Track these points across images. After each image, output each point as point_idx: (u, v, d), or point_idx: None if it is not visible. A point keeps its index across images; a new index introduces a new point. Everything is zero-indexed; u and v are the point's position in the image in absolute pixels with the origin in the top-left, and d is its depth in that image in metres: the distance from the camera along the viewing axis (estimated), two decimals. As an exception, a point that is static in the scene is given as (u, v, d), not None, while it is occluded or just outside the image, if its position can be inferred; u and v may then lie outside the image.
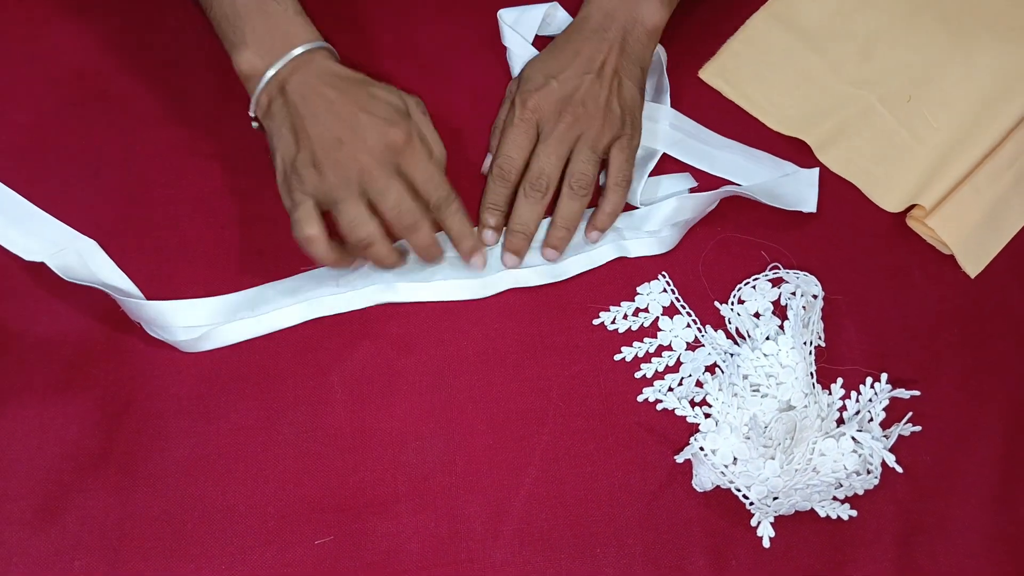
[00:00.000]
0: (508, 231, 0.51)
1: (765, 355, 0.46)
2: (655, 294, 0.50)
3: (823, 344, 0.50)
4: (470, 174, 0.54)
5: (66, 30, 0.56)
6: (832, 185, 0.55)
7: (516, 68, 0.55)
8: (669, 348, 0.49)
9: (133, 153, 0.54)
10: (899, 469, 0.45)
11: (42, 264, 0.50)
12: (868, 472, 0.45)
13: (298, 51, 0.46)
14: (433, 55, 0.56)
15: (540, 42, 0.56)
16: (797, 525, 0.47)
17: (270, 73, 0.46)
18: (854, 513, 0.47)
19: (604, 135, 0.50)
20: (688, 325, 0.50)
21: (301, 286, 0.50)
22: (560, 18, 0.56)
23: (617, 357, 0.50)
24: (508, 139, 0.51)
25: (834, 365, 0.49)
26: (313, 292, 0.50)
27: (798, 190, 0.53)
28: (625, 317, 0.50)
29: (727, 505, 0.47)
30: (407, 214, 0.47)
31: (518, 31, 0.55)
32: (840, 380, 0.49)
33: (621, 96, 0.51)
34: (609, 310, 0.50)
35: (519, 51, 0.55)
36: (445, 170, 0.49)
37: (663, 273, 0.51)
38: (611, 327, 0.50)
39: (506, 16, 0.56)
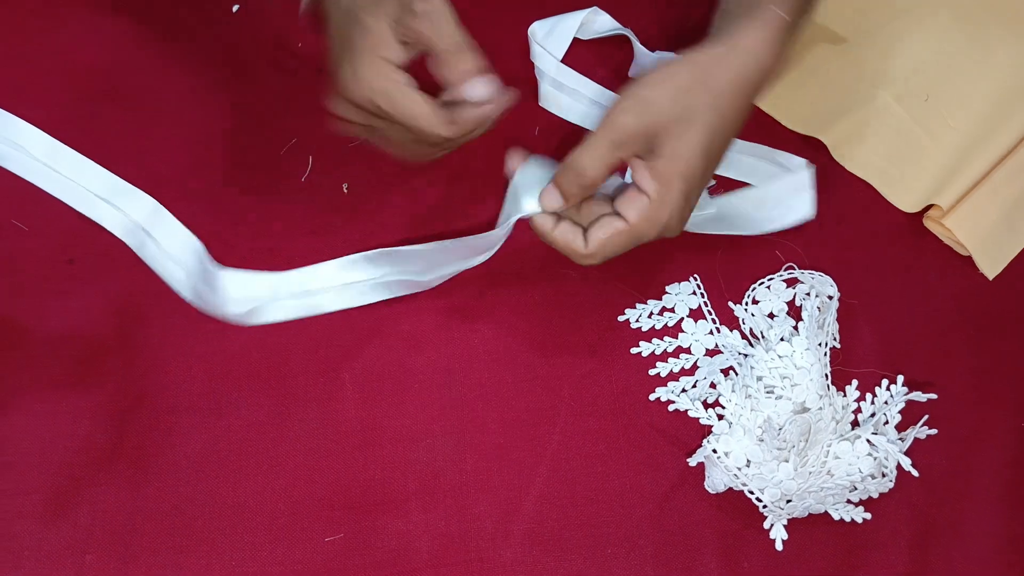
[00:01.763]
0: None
1: (779, 356, 0.46)
2: (684, 295, 0.50)
3: (838, 345, 0.49)
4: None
5: (80, 25, 0.56)
6: (848, 185, 0.54)
7: (545, 87, 0.53)
8: (688, 351, 0.49)
9: (148, 151, 0.53)
10: (915, 473, 0.45)
11: (53, 258, 0.50)
12: (883, 475, 0.45)
13: None
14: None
15: (576, 48, 0.54)
16: (810, 528, 0.46)
17: None
18: (868, 516, 0.46)
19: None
20: (711, 332, 0.49)
21: (355, 265, 0.48)
22: (601, 22, 0.54)
23: (634, 351, 0.49)
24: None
25: (849, 367, 0.49)
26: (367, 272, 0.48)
27: (788, 198, 0.50)
28: (650, 316, 0.49)
29: (739, 507, 0.46)
30: None
31: (550, 45, 0.53)
32: (855, 382, 0.48)
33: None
34: (635, 307, 0.50)
35: (549, 70, 0.53)
36: None
37: (695, 276, 0.51)
38: (635, 324, 0.49)
39: (538, 31, 0.53)
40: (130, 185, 0.51)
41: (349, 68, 0.43)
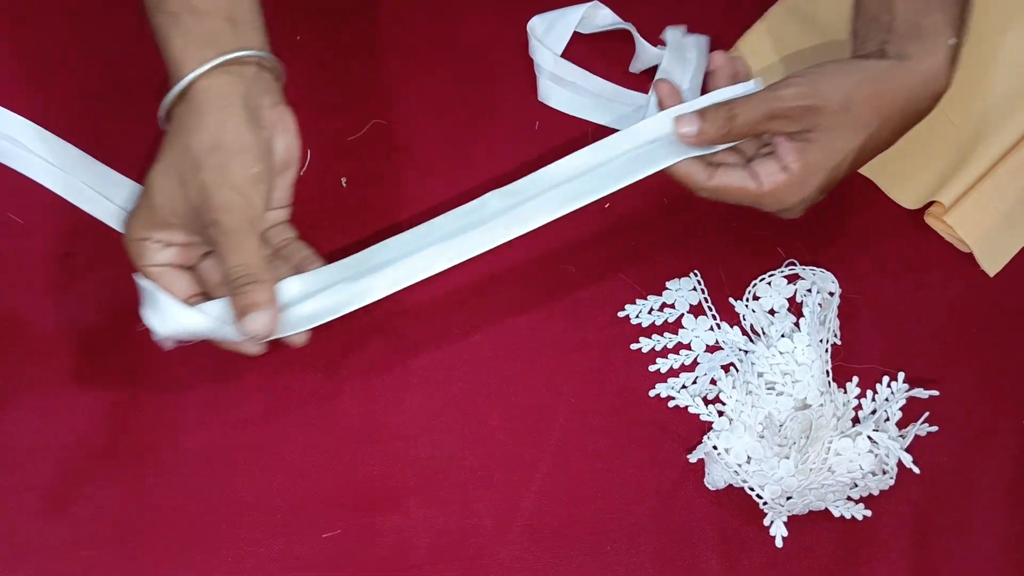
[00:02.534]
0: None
1: (780, 353, 0.46)
2: (684, 291, 0.50)
3: (839, 342, 0.49)
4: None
5: (83, 18, 0.55)
6: (849, 181, 0.53)
7: (544, 82, 0.52)
8: (688, 347, 0.49)
9: (143, 142, 0.53)
10: (916, 470, 0.45)
11: (50, 252, 0.50)
12: (884, 472, 0.45)
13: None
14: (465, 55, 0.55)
15: (577, 42, 0.54)
16: (811, 525, 0.46)
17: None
18: (869, 513, 0.46)
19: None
20: (711, 328, 0.49)
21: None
22: (602, 16, 0.54)
23: (634, 347, 0.49)
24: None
25: (850, 364, 0.49)
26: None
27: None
28: (651, 312, 0.49)
29: (740, 504, 0.46)
30: None
31: (550, 40, 0.53)
32: (856, 379, 0.48)
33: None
34: (635, 303, 0.50)
35: (547, 65, 0.53)
36: None
37: (695, 271, 0.50)
38: (635, 320, 0.49)
39: (537, 26, 0.53)
40: (126, 178, 0.51)
41: (131, 214, 0.44)
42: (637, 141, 0.46)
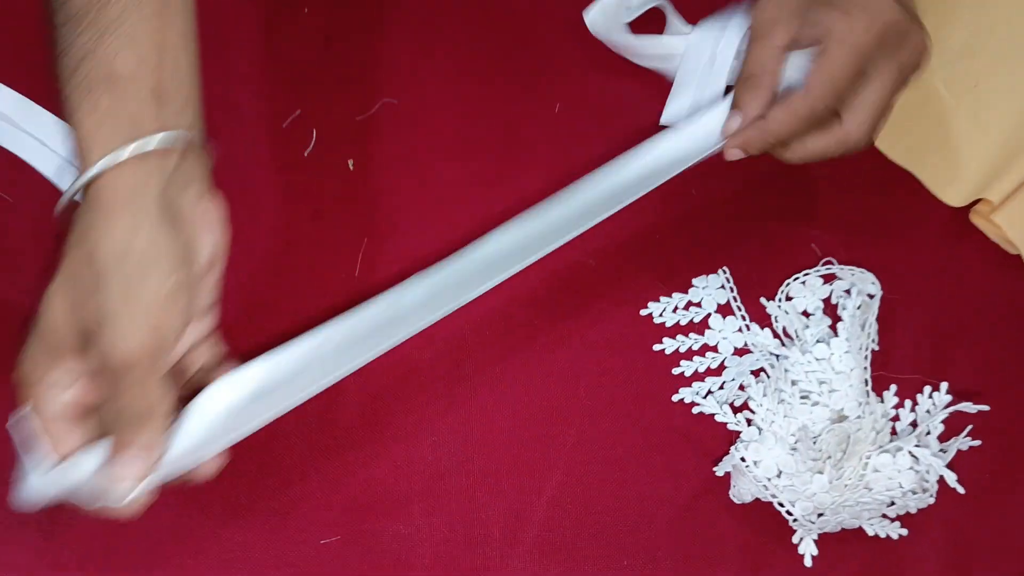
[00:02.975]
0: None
1: (817, 359, 0.43)
2: (711, 289, 0.47)
3: (876, 347, 0.46)
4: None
5: None
6: (890, 176, 0.51)
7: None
8: (715, 350, 0.46)
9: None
10: (960, 489, 0.41)
11: (40, 232, 0.47)
12: (924, 491, 0.42)
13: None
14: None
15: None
16: (841, 543, 0.43)
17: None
18: (904, 532, 0.43)
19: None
20: (740, 330, 0.46)
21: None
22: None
23: (656, 347, 0.46)
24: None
25: (887, 371, 0.46)
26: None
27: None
28: (675, 310, 0.46)
29: (766, 518, 0.43)
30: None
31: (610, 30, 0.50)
32: (893, 387, 0.45)
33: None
34: (659, 300, 0.47)
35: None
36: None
37: (724, 268, 0.47)
38: (658, 319, 0.46)
39: (597, 20, 0.49)
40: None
41: (25, 346, 0.36)
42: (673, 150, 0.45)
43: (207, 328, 0.38)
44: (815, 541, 0.43)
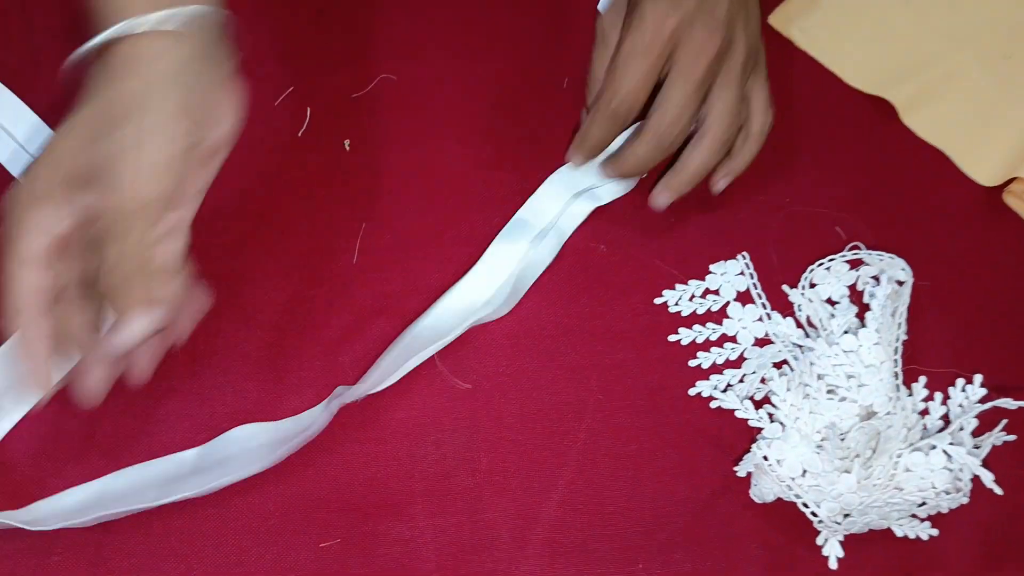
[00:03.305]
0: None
1: (844, 352, 0.40)
2: (730, 276, 0.44)
3: (905, 337, 0.44)
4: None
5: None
6: (918, 153, 0.48)
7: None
8: (734, 340, 0.44)
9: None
10: (998, 490, 0.39)
11: None
12: (958, 491, 0.39)
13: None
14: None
15: None
16: (868, 544, 0.41)
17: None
18: (935, 532, 0.41)
19: (748, 65, 0.42)
20: (760, 319, 0.43)
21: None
22: None
23: (672, 338, 0.44)
24: (631, 70, 0.41)
25: (917, 363, 0.43)
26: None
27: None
28: (692, 298, 0.44)
29: (788, 518, 0.41)
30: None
31: None
32: (923, 379, 0.43)
33: (749, 24, 0.42)
34: (674, 288, 0.44)
35: None
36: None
37: (744, 253, 0.45)
38: (673, 308, 0.44)
39: None
40: (31, 112, 0.45)
41: (27, 174, 0.36)
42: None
43: (189, 216, 0.38)
44: (840, 542, 0.40)
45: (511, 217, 0.46)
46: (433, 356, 0.43)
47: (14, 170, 0.45)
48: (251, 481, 0.42)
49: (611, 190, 0.46)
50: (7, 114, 0.46)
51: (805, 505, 0.40)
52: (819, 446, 0.40)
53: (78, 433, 0.42)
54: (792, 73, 0.50)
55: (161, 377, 0.43)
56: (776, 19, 0.51)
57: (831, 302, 0.44)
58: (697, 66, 0.40)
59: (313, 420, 0.41)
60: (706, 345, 0.44)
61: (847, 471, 0.39)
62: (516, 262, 0.44)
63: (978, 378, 0.42)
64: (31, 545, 0.40)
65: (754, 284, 0.45)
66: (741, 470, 0.41)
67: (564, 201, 0.45)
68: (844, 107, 0.49)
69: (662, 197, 0.43)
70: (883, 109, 0.49)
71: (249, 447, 0.41)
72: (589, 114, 0.43)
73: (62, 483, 0.41)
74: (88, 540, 0.41)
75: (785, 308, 0.45)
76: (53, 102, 0.47)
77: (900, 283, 0.44)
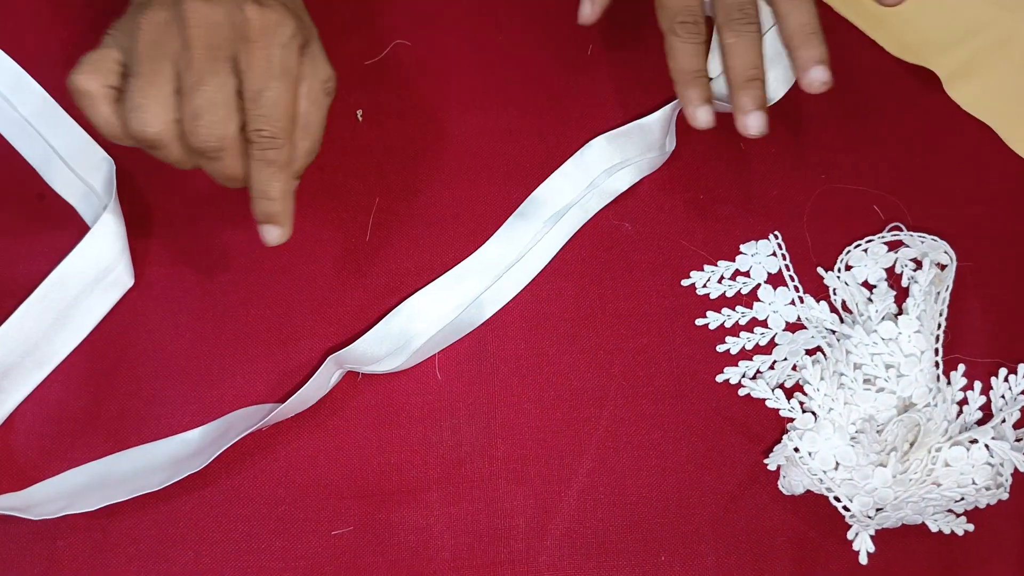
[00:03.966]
0: (736, 89, 0.40)
1: (884, 340, 0.38)
2: (761, 256, 0.42)
3: (944, 323, 0.42)
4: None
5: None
6: (962, 128, 0.46)
7: None
8: (764, 324, 0.42)
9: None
10: (1043, 488, 0.37)
11: (21, 194, 0.44)
12: (998, 486, 0.38)
13: None
14: None
15: None
16: (901, 539, 0.40)
17: None
18: (971, 528, 0.39)
19: None
20: (793, 302, 0.41)
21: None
22: None
23: (699, 322, 0.42)
24: None
25: (957, 352, 0.41)
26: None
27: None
28: (720, 280, 0.42)
29: (818, 511, 0.40)
30: (213, 125, 0.35)
31: None
32: (962, 368, 0.41)
33: None
34: (703, 269, 0.43)
35: None
36: (326, 107, 0.38)
37: (776, 233, 0.43)
38: (701, 290, 0.42)
39: None
40: (92, 141, 0.44)
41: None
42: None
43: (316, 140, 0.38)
44: (872, 537, 0.39)
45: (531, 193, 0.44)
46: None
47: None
48: (261, 466, 0.41)
49: (642, 165, 0.43)
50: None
51: (837, 499, 0.38)
52: (854, 438, 0.38)
53: (82, 415, 0.41)
54: (830, 41, 0.47)
55: (168, 358, 0.42)
56: (814, -17, 0.48)
57: (868, 286, 0.42)
58: None
59: (317, 388, 0.40)
60: (735, 329, 0.42)
61: (882, 465, 0.37)
62: (527, 243, 0.42)
63: (1022, 368, 0.40)
64: (36, 531, 0.40)
65: (786, 266, 0.42)
66: (771, 463, 0.39)
67: (585, 183, 0.43)
68: (885, 78, 0.46)
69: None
70: (927, 80, 0.46)
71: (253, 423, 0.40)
72: (665, 40, 0.40)
73: (65, 466, 0.40)
74: (94, 525, 0.40)
75: (819, 291, 0.43)
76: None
77: (942, 267, 0.41)
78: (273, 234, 0.37)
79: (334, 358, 0.40)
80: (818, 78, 0.39)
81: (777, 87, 0.41)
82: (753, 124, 0.39)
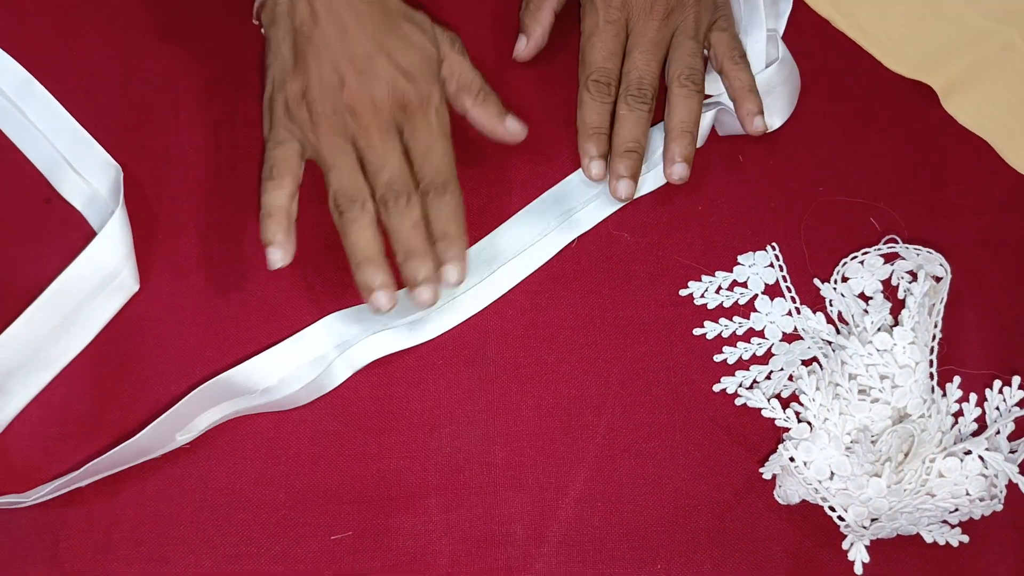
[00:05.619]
0: (615, 155, 0.43)
1: (879, 351, 0.39)
2: (758, 268, 0.43)
3: (940, 335, 0.42)
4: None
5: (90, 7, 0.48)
6: (960, 141, 0.46)
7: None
8: (761, 335, 0.42)
9: (131, 72, 0.46)
10: (1036, 499, 0.38)
11: (27, 197, 0.44)
12: (992, 498, 0.38)
13: None
14: None
15: None
16: (895, 549, 0.40)
17: None
18: (966, 539, 0.39)
19: (702, 22, 0.44)
20: (789, 313, 0.42)
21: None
22: None
23: (697, 331, 0.42)
24: (598, 46, 0.44)
25: (953, 364, 0.42)
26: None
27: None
28: (718, 291, 0.42)
29: (814, 521, 0.40)
30: (401, 186, 0.40)
31: None
32: (957, 379, 0.41)
33: None
34: (700, 280, 0.43)
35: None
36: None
37: (773, 244, 0.43)
38: (699, 300, 0.42)
39: None
40: (99, 147, 0.44)
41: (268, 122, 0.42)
42: None
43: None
44: (867, 547, 0.39)
45: (530, 197, 0.44)
46: (449, 343, 0.42)
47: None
48: (261, 471, 0.41)
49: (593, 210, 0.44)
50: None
51: (832, 509, 0.38)
52: (848, 448, 0.38)
53: (87, 418, 0.42)
54: (828, 55, 0.48)
55: (172, 362, 0.42)
56: (814, -1, 0.49)
57: (864, 297, 0.42)
58: (648, 28, 0.43)
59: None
60: (732, 340, 0.42)
61: (877, 475, 0.37)
62: (518, 250, 0.43)
63: (1016, 380, 0.41)
64: (38, 532, 0.40)
65: (783, 277, 0.43)
66: (767, 472, 0.39)
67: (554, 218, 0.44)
68: (882, 91, 0.47)
69: (677, 168, 0.43)
70: (923, 94, 0.47)
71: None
72: (578, 93, 0.45)
73: (68, 469, 0.41)
74: (96, 527, 0.40)
75: (815, 303, 0.43)
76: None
77: (938, 279, 0.42)
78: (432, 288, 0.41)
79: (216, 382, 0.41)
80: (678, 173, 0.43)
81: (774, 118, 0.44)
82: (623, 189, 0.43)
